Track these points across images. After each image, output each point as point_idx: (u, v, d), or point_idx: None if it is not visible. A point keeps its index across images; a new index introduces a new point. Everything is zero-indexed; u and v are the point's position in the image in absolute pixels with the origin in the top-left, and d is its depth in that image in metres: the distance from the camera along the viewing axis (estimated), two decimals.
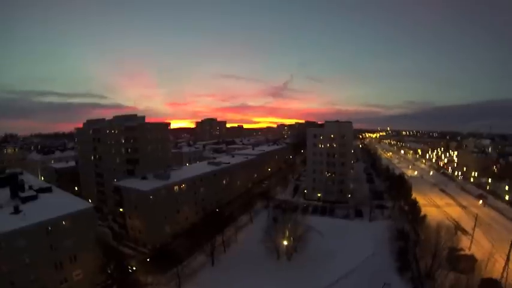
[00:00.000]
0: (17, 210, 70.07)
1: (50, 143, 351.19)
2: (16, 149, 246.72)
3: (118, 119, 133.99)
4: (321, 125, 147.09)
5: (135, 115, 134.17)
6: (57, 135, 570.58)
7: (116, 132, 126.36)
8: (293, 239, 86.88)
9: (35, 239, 62.72)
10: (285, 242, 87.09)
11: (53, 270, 65.35)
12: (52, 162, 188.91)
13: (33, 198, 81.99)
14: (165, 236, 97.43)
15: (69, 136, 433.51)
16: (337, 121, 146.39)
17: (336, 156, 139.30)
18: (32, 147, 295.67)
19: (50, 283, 61.14)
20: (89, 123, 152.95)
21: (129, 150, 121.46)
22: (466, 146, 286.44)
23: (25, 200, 79.45)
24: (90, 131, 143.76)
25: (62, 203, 78.52)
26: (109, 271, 70.97)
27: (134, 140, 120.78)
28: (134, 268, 77.15)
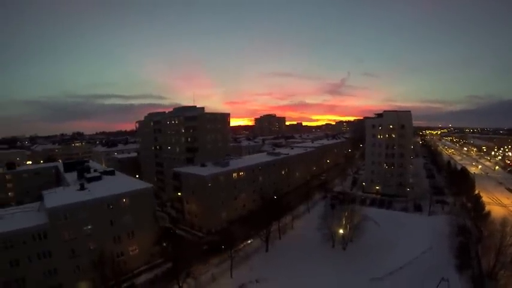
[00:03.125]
0: (82, 187, 76.39)
1: (113, 139, 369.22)
2: (83, 143, 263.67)
3: (178, 110, 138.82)
4: (380, 115, 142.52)
5: (195, 106, 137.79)
6: (119, 133, 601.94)
7: (177, 122, 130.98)
8: (349, 227, 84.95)
9: (96, 213, 67.72)
10: (341, 231, 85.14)
11: (111, 243, 69.82)
12: (115, 154, 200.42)
13: (97, 178, 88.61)
14: (221, 221, 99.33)
15: (131, 134, 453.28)
16: (396, 111, 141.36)
17: (395, 147, 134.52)
18: (97, 142, 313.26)
19: (107, 254, 64.24)
20: (151, 115, 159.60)
21: (189, 139, 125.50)
22: None
23: (90, 180, 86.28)
24: (151, 123, 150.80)
25: (123, 184, 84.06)
26: (164, 246, 74.32)
27: (194, 129, 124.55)
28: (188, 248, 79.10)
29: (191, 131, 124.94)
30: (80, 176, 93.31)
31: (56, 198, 68.35)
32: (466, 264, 71.67)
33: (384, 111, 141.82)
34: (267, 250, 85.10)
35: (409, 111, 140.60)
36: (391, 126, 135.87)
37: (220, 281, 70.81)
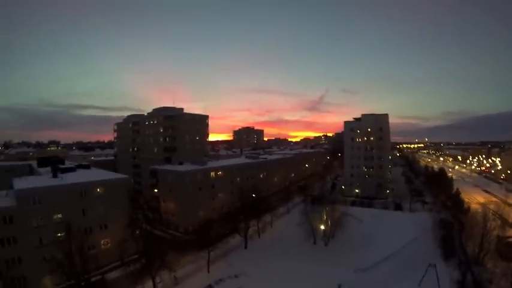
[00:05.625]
0: (55, 176, 73.36)
1: (90, 146, 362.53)
2: (59, 147, 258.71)
3: (157, 110, 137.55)
4: (359, 119, 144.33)
5: (174, 107, 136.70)
6: (97, 143, 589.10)
7: (155, 122, 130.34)
8: (331, 223, 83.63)
9: (68, 200, 63.98)
10: (322, 227, 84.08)
11: (82, 234, 62.86)
12: (92, 158, 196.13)
13: (71, 170, 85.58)
14: (199, 221, 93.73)
15: (108, 144, 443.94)
16: (374, 114, 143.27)
17: (373, 149, 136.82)
18: (74, 148, 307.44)
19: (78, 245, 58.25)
20: (130, 117, 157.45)
21: (167, 139, 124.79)
22: (510, 149, 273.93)
23: (64, 170, 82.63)
24: (130, 124, 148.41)
25: (98, 175, 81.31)
26: (138, 239, 70.28)
27: (172, 128, 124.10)
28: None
29: (170, 130, 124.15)
30: (54, 169, 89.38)
31: (26, 183, 65.11)
32: (451, 252, 73.27)
33: (362, 114, 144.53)
34: (245, 247, 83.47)
35: (387, 114, 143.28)
36: (369, 129, 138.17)
37: (197, 275, 68.38)
